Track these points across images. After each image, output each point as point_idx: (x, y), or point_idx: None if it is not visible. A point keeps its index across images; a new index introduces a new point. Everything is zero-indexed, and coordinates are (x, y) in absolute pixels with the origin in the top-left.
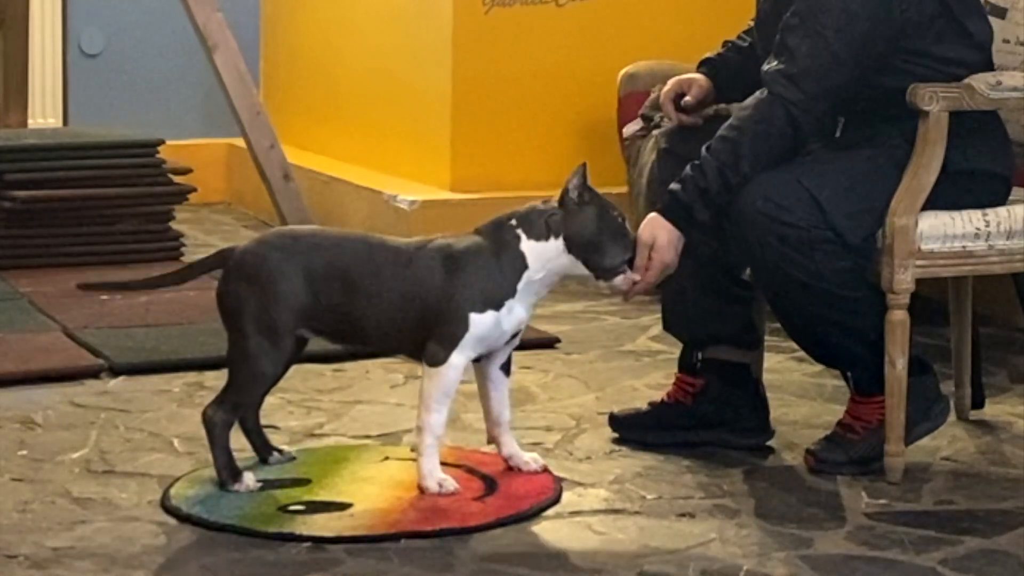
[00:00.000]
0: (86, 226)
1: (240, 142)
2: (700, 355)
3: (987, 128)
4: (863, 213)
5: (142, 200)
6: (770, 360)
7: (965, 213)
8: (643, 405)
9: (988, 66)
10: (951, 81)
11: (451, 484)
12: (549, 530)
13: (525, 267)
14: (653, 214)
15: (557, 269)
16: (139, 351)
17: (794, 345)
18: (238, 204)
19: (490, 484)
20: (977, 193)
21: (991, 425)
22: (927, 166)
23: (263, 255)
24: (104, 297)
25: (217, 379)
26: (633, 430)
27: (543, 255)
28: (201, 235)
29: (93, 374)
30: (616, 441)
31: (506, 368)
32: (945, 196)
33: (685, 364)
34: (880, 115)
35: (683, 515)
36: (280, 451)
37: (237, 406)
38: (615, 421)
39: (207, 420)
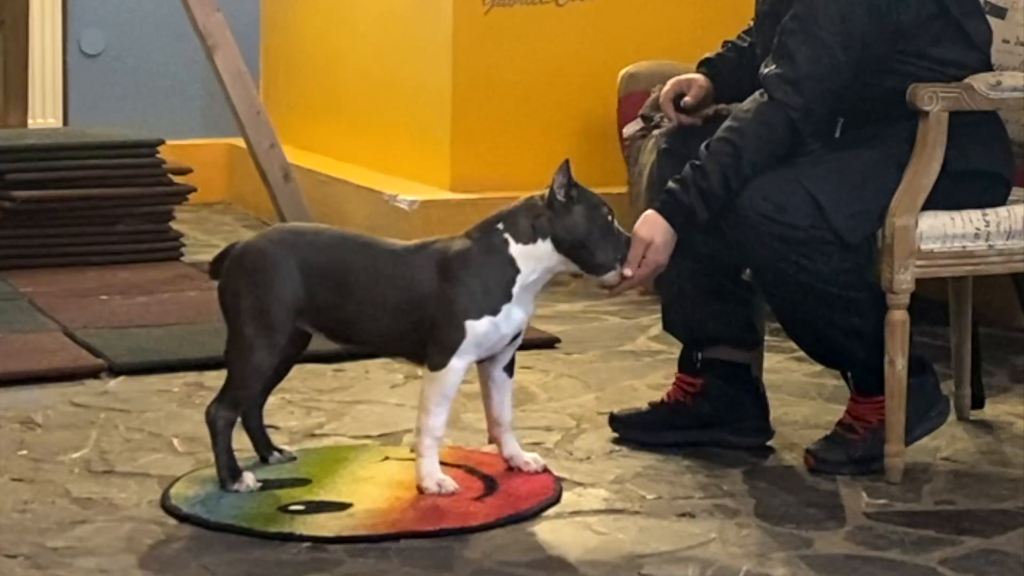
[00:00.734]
0: (86, 226)
1: (240, 142)
2: (700, 355)
3: (988, 128)
4: (863, 213)
5: (142, 200)
6: (770, 360)
7: (965, 213)
8: (643, 405)
9: (986, 67)
10: (950, 82)
11: (450, 484)
12: (549, 530)
13: (518, 271)
14: (651, 212)
15: (550, 268)
16: (139, 351)
17: (794, 345)
18: (238, 204)
19: (490, 484)
20: (977, 193)
21: (991, 425)
22: (927, 166)
23: (261, 249)
24: (104, 297)
25: (217, 379)
26: (633, 430)
27: (533, 257)
28: (201, 235)
29: (93, 374)
30: (616, 441)
31: (509, 369)
32: (945, 196)
33: (685, 364)
34: (879, 115)
35: (683, 515)
36: (280, 451)
37: (237, 402)
38: (615, 421)
39: (210, 419)
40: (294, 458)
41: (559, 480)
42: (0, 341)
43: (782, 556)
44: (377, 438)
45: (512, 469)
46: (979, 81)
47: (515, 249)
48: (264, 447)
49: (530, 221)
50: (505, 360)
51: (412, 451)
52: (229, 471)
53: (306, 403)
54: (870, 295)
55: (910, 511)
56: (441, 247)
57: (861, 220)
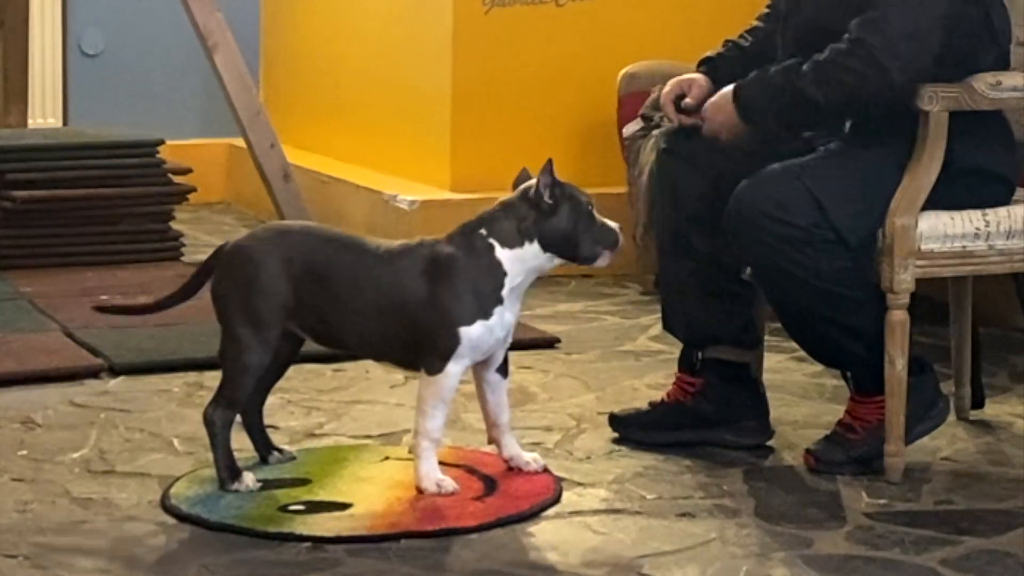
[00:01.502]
0: (86, 226)
1: (240, 142)
2: (700, 355)
3: (996, 129)
4: (864, 213)
5: (142, 200)
6: (770, 360)
7: (965, 213)
8: (643, 405)
9: (1005, 61)
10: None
11: (450, 484)
12: (549, 530)
13: (505, 274)
14: (729, 91)
15: (537, 268)
16: (139, 351)
17: (794, 345)
18: (238, 204)
19: (490, 484)
20: (981, 193)
21: (991, 425)
22: (927, 166)
23: (249, 248)
24: (104, 297)
25: (217, 379)
26: (633, 430)
27: (520, 260)
28: (201, 235)
29: (93, 374)
30: (616, 441)
31: (503, 370)
32: (950, 194)
33: (685, 364)
34: (887, 113)
35: (683, 515)
36: (280, 450)
37: (233, 401)
38: (615, 421)
39: (207, 420)
40: (294, 458)
41: (559, 480)
42: (0, 341)
43: (782, 556)
44: (377, 438)
45: (512, 469)
46: (979, 81)
47: (501, 253)
48: (264, 447)
49: (515, 224)
50: (498, 361)
51: (410, 452)
52: (229, 471)
53: (306, 403)
54: (870, 294)
55: (910, 511)
56: (428, 251)
57: (862, 220)
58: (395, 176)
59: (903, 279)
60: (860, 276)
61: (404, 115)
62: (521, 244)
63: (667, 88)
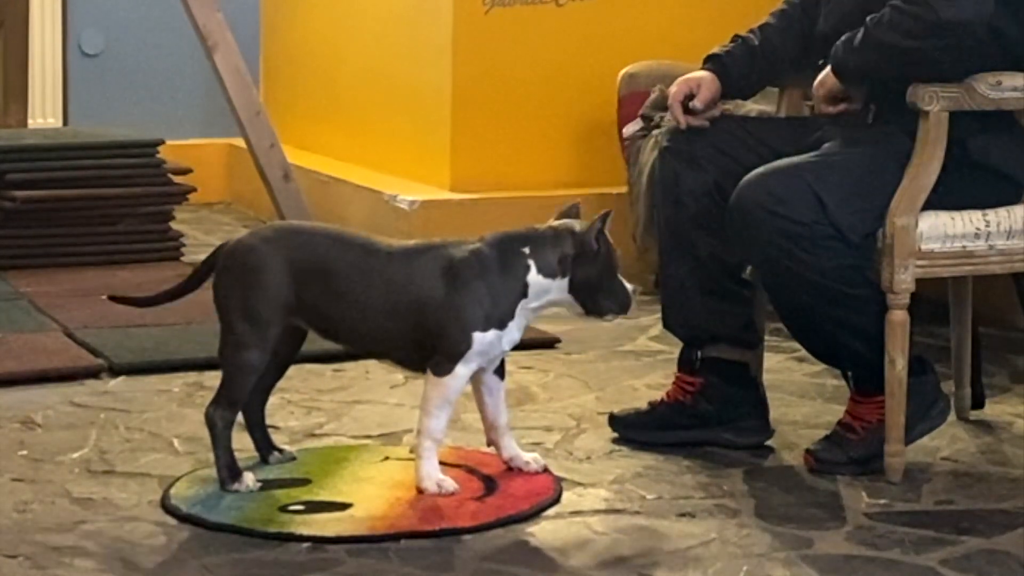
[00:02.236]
0: (86, 226)
1: (240, 142)
2: (699, 354)
3: (1007, 128)
4: (865, 211)
5: (142, 200)
6: (770, 360)
7: (965, 213)
8: (643, 405)
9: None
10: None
11: (450, 484)
12: (549, 530)
13: (524, 296)
14: (828, 69)
15: (554, 302)
16: (139, 351)
17: (794, 345)
18: (238, 204)
19: (490, 484)
20: (992, 191)
21: (991, 425)
22: (927, 166)
23: (252, 246)
24: (104, 297)
25: (217, 379)
26: (633, 430)
27: (545, 290)
28: (201, 235)
29: (93, 374)
30: (616, 441)
31: (500, 372)
32: (961, 191)
33: (684, 363)
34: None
35: (683, 515)
36: (281, 450)
37: (233, 401)
38: (615, 421)
39: (208, 420)
40: (294, 458)
41: (559, 480)
42: (0, 341)
43: (782, 556)
44: (377, 438)
45: (512, 470)
46: (979, 81)
47: (533, 278)
48: (265, 447)
49: (556, 257)
50: (496, 364)
51: (412, 452)
52: (229, 471)
53: (306, 403)
54: (871, 292)
55: (910, 511)
56: (447, 252)
57: (863, 217)
58: (395, 176)
59: (903, 279)
60: (861, 274)
61: (404, 115)
62: (554, 277)
63: (675, 88)
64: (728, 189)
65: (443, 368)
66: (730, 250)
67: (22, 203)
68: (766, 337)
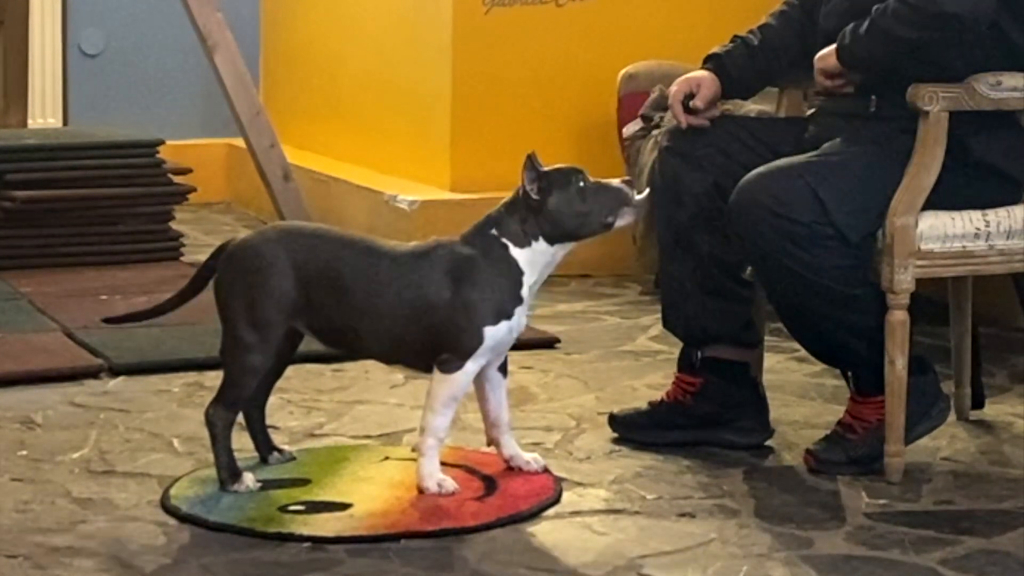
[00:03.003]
0: (86, 226)
1: (240, 142)
2: (699, 354)
3: (1008, 128)
4: (865, 211)
5: (142, 200)
6: (770, 360)
7: (965, 213)
8: (643, 405)
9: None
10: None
11: (451, 484)
12: (549, 530)
13: (522, 272)
14: (832, 48)
15: (551, 263)
16: (139, 351)
17: (794, 345)
18: (238, 204)
19: (490, 484)
20: (987, 191)
21: (991, 425)
22: (927, 166)
23: (256, 247)
24: (104, 297)
25: (217, 379)
26: (633, 430)
27: (533, 259)
28: (201, 235)
29: (93, 374)
30: (616, 441)
31: (503, 369)
32: (957, 190)
33: (684, 363)
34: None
35: (683, 515)
36: (280, 451)
37: (233, 401)
38: (615, 421)
39: (208, 420)
40: (294, 458)
41: (559, 480)
42: (0, 341)
43: (782, 556)
44: (377, 438)
45: (512, 469)
46: (979, 81)
47: (516, 252)
48: (265, 447)
49: (519, 225)
50: (501, 359)
51: (413, 451)
52: (229, 471)
53: (306, 403)
54: (871, 292)
55: (910, 511)
56: (446, 252)
57: (863, 218)
58: (395, 176)
59: (903, 279)
60: (861, 274)
61: (404, 115)
62: (528, 244)
63: (675, 87)
64: (728, 189)
65: (452, 365)
66: (730, 250)
67: (22, 203)
68: (766, 337)
